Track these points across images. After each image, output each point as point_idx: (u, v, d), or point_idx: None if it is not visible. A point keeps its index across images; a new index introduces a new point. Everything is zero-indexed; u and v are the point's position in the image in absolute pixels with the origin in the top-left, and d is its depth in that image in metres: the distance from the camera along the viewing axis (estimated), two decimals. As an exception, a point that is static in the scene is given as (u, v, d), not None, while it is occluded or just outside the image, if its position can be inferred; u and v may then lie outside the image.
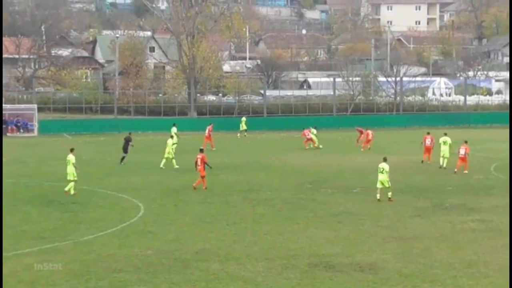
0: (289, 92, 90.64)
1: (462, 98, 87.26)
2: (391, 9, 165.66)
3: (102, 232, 26.16)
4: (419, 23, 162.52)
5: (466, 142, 42.03)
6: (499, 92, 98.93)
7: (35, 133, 70.35)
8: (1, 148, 45.55)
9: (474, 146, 43.89)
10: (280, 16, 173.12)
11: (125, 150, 46.59)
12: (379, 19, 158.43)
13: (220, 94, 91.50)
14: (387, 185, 32.22)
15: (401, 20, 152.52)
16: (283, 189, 35.84)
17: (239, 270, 21.30)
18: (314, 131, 56.58)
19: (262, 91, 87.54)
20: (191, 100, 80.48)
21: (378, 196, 32.35)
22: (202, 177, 35.87)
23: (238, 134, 65.43)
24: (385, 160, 32.78)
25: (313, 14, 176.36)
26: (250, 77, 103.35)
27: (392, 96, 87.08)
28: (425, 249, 23.62)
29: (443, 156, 43.32)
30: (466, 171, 40.91)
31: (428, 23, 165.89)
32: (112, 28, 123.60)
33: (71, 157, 34.73)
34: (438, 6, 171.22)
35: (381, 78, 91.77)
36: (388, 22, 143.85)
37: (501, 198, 33.21)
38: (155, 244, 24.40)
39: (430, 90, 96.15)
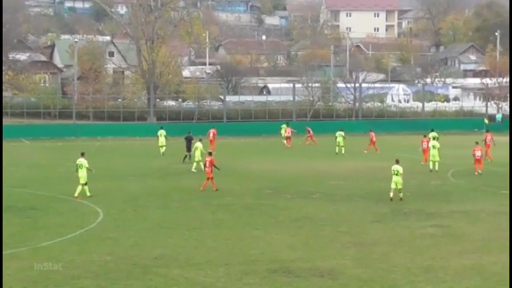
0: (249, 98, 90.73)
1: (420, 104, 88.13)
2: (350, 15, 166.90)
3: (61, 238, 25.92)
4: (377, 30, 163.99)
5: (477, 143, 43.52)
6: (456, 98, 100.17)
7: (-8, 138, 69.46)
8: (1, 149, 44.76)
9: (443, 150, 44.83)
10: (240, 22, 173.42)
11: (188, 149, 47.97)
12: (338, 26, 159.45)
13: (180, 100, 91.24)
14: (400, 186, 33.82)
15: (360, 27, 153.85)
16: (243, 195, 35.83)
17: (199, 276, 21.25)
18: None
19: (222, 97, 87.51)
20: (150, 105, 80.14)
21: (391, 195, 33.79)
22: (210, 178, 36.60)
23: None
24: (397, 162, 34.53)
25: (272, 20, 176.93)
26: (210, 83, 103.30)
27: (351, 102, 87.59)
28: (384, 254, 23.78)
29: (432, 160, 44.22)
30: (480, 172, 42.78)
31: (386, 30, 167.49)
32: (70, 32, 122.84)
33: (83, 161, 34.96)
34: (396, 13, 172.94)
35: (340, 84, 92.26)
36: (347, 28, 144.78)
37: (458, 203, 33.62)
38: (114, 249, 24.25)
39: (389, 97, 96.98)
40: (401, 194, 33.98)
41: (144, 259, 23.02)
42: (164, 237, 26.30)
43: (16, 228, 27.84)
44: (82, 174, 34.74)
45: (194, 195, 35.63)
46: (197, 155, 44.11)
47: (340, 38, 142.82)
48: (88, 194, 34.60)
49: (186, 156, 48.23)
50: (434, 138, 47.14)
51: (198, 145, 44.52)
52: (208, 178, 36.81)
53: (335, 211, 31.73)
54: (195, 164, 44.59)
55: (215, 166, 36.85)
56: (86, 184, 34.84)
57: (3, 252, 23.13)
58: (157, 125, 74.73)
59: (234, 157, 53.30)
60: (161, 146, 55.07)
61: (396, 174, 33.81)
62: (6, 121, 75.53)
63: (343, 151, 54.12)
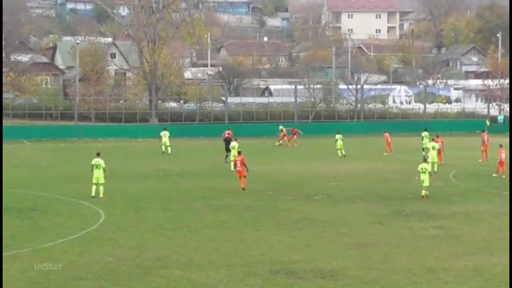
0: (250, 99, 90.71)
1: (421, 106, 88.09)
2: (351, 17, 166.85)
3: (62, 239, 25.90)
4: (379, 31, 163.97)
5: (501, 146, 43.59)
6: (458, 100, 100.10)
7: (-6, 139, 69.44)
8: (1, 149, 44.75)
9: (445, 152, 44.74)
10: (241, 23, 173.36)
11: (227, 149, 49.05)
12: (340, 27, 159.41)
13: (182, 101, 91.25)
14: (426, 184, 34.74)
15: (362, 28, 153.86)
16: (244, 196, 35.81)
17: (200, 277, 21.23)
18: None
19: (223, 98, 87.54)
20: (152, 107, 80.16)
21: (423, 193, 34.79)
22: (244, 176, 37.48)
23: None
24: (425, 160, 36.66)
25: (274, 22, 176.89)
26: (212, 84, 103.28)
27: (353, 103, 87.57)
28: (385, 256, 23.75)
29: (432, 162, 43.34)
30: (504, 176, 42.20)
31: (388, 32, 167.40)
32: (72, 34, 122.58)
33: (100, 161, 34.99)
34: (398, 15, 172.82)
35: (342, 86, 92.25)
36: (348, 30, 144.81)
37: (460, 205, 33.60)
38: (115, 251, 24.23)
39: (391, 98, 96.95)
40: (427, 192, 34.81)
41: (145, 260, 23.00)
42: (165, 238, 26.29)
43: (17, 229, 27.82)
44: (99, 174, 34.72)
45: (195, 196, 35.62)
46: (234, 154, 45.38)
47: (341, 39, 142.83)
48: (102, 195, 34.52)
49: (226, 155, 48.90)
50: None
51: (235, 144, 46.17)
52: (240, 177, 37.65)
53: (336, 212, 31.72)
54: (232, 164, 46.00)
55: (245, 166, 37.75)
56: (102, 184, 34.71)
57: (4, 254, 23.12)
58: (159, 126, 74.85)
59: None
60: (165, 145, 56.60)
61: (424, 172, 34.68)
62: (7, 122, 75.58)
63: (343, 152, 54.08)
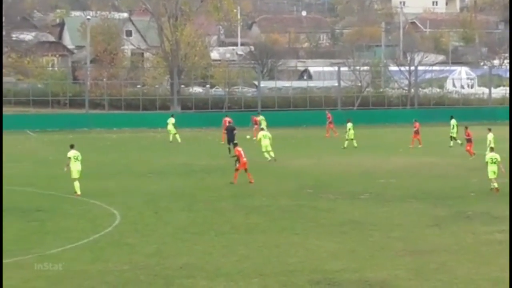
0: (286, 83, 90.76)
1: (486, 90, 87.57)
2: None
3: (71, 244, 26.13)
4: (436, 4, 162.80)
5: None
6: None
7: (-7, 129, 70.17)
8: (1, 149, 45.32)
9: (500, 145, 44.08)
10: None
11: (230, 140, 50.53)
12: (390, 0, 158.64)
13: (208, 86, 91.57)
14: (496, 176, 35.81)
15: (416, 0, 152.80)
16: (279, 195, 35.86)
17: (229, 288, 21.34)
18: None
19: (255, 82, 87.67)
20: (174, 92, 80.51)
21: (495, 185, 35.83)
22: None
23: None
24: (492, 150, 38.25)
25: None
26: (242, 66, 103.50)
27: (406, 88, 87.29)
28: (443, 264, 23.68)
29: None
30: None
31: (447, 4, 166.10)
32: (82, 8, 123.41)
33: (77, 153, 35.62)
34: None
35: (393, 68, 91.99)
36: (400, 2, 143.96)
37: (530, 205, 33.31)
38: (132, 258, 24.40)
39: (449, 81, 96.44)
40: (496, 184, 35.71)
41: (166, 269, 23.13)
42: (189, 243, 26.41)
43: (20, 232, 28.10)
44: (78, 168, 35.32)
45: (223, 195, 35.74)
46: (266, 145, 47.53)
47: (392, 13, 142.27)
48: (79, 192, 35.15)
49: (230, 149, 49.13)
50: (454, 127, 48.55)
51: (267, 133, 48.30)
52: (246, 169, 38.76)
53: (386, 214, 31.65)
54: (266, 154, 47.49)
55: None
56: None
57: (5, 261, 23.37)
58: (182, 114, 75.27)
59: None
60: (170, 133, 59.21)
61: (494, 163, 35.65)
62: (9, 110, 76.33)
63: (355, 144, 54.87)
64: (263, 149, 47.57)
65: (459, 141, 53.37)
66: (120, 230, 28.48)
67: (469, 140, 49.31)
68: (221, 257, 24.58)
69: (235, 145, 40.79)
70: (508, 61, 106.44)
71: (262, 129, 56.68)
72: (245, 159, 38.85)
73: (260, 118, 62.49)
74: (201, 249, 25.56)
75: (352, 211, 32.16)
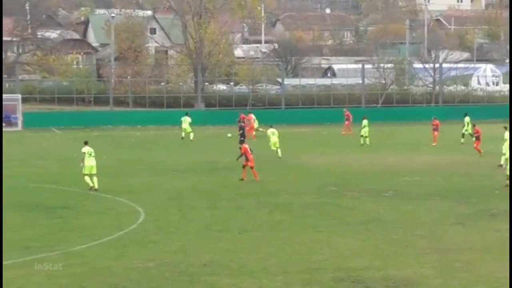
0: (310, 81, 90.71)
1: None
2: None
3: (96, 241, 26.22)
4: (461, 0, 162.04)
5: None
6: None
7: (19, 127, 70.63)
8: (1, 148, 45.61)
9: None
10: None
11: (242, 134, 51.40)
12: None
13: (232, 83, 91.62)
14: None
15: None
16: (303, 193, 35.86)
17: (253, 286, 21.32)
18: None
19: (279, 80, 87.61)
20: (198, 90, 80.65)
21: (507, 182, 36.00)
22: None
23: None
24: None
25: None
26: (266, 64, 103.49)
27: (430, 85, 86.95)
28: (468, 263, 23.58)
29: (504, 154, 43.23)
30: None
31: (472, 1, 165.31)
32: (106, 6, 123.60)
33: (91, 150, 36.43)
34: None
35: (417, 65, 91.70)
36: (425, 0, 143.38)
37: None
38: (156, 255, 24.46)
39: (474, 79, 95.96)
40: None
41: (190, 266, 23.17)
42: (213, 241, 26.45)
43: (45, 229, 28.24)
44: (94, 163, 36.11)
45: (246, 193, 35.76)
46: (275, 141, 48.10)
47: (416, 11, 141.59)
48: (97, 186, 35.83)
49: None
50: (468, 124, 49.37)
51: (274, 130, 48.72)
52: (252, 167, 38.97)
53: (410, 211, 31.56)
54: (279, 151, 47.71)
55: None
56: (96, 175, 36.03)
57: (30, 257, 23.54)
58: (206, 112, 75.39)
59: (293, 149, 53.32)
60: (185, 131, 59.39)
61: None
62: (34, 107, 76.86)
63: (367, 142, 55.17)
64: (272, 146, 47.81)
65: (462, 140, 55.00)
66: (144, 228, 28.56)
67: (477, 138, 48.80)
68: (245, 254, 24.60)
69: (242, 142, 41.24)
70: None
71: (257, 129, 57.66)
72: (251, 156, 39.09)
73: (252, 116, 63.29)
74: (225, 247, 25.59)
75: (376, 208, 32.10)
